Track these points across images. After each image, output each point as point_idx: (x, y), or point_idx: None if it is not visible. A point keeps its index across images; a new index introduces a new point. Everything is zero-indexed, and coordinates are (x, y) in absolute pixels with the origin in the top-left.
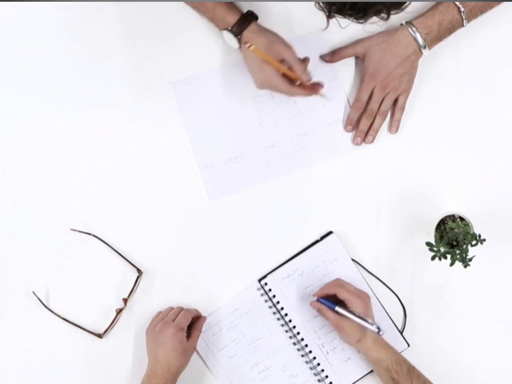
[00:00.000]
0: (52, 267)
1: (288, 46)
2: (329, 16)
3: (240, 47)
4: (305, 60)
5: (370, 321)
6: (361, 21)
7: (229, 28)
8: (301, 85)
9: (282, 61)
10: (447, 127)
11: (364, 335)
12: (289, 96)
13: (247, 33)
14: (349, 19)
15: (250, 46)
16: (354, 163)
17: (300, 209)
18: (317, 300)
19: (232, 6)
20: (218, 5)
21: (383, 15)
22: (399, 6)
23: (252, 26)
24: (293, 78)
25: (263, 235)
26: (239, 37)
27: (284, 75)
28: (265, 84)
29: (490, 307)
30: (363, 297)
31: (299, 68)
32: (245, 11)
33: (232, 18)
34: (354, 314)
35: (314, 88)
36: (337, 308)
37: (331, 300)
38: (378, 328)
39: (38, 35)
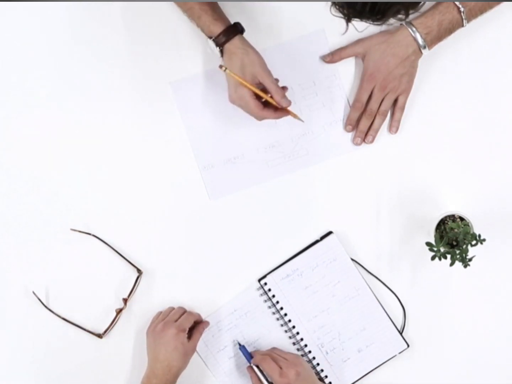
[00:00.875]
0: (52, 267)
1: (266, 71)
2: (348, 20)
3: (222, 57)
4: (283, 88)
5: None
6: (379, 23)
7: (213, 38)
8: (272, 108)
9: (258, 83)
10: (447, 127)
11: None
12: (257, 120)
13: (229, 46)
14: (367, 22)
15: (225, 69)
16: (354, 163)
17: (300, 209)
18: (240, 348)
19: (219, 16)
20: (204, 13)
21: (401, 16)
22: (415, 6)
23: (235, 40)
24: (268, 100)
25: (263, 235)
26: (221, 48)
27: (258, 97)
28: (236, 102)
29: (490, 307)
30: (286, 374)
31: (277, 94)
32: (233, 21)
33: (217, 29)
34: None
35: (285, 110)
36: (252, 364)
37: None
38: None
39: (38, 35)
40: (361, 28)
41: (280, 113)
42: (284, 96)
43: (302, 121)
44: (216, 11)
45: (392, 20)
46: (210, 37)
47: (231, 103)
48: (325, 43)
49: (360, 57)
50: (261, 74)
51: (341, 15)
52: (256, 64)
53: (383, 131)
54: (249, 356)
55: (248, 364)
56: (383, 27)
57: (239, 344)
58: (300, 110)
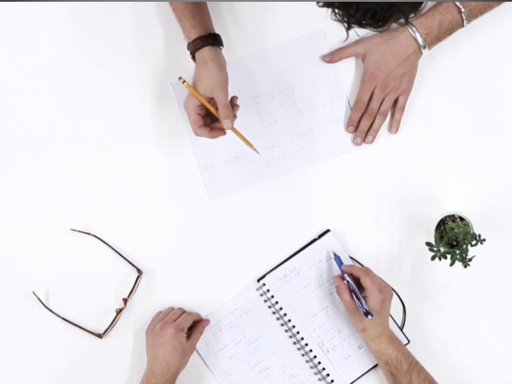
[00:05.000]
0: (52, 267)
1: (222, 88)
2: (348, 28)
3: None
4: (234, 106)
5: (365, 305)
6: (381, 29)
7: (187, 44)
8: (208, 128)
9: (211, 98)
10: (447, 127)
11: (370, 326)
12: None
13: (197, 55)
14: (367, 29)
15: (183, 81)
16: (354, 163)
17: (301, 209)
18: (335, 258)
19: (197, 23)
20: (184, 17)
21: (401, 21)
22: (415, 10)
23: (204, 51)
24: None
25: (263, 234)
26: (192, 55)
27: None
28: (185, 108)
29: (489, 306)
30: (384, 291)
31: (222, 114)
32: (214, 29)
33: (191, 35)
34: (357, 292)
35: (240, 137)
36: (345, 275)
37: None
38: (368, 313)
39: (38, 37)
40: (362, 34)
41: (216, 133)
42: (228, 118)
43: (258, 153)
44: (196, 18)
45: (393, 25)
46: (187, 42)
47: (183, 108)
48: (325, 43)
49: (360, 57)
50: (213, 88)
51: (343, 22)
52: (212, 78)
53: (383, 131)
54: (341, 264)
55: (336, 277)
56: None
57: (334, 254)
58: (300, 110)
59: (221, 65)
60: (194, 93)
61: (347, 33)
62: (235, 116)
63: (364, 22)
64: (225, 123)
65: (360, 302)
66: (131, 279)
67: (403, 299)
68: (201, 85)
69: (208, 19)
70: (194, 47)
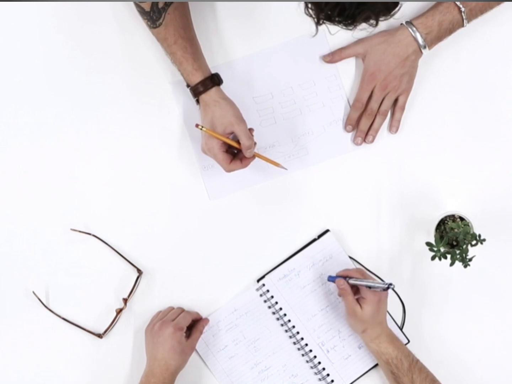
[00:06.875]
0: (52, 267)
1: (239, 118)
2: (317, 23)
3: (198, 105)
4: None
5: (378, 281)
6: (350, 28)
7: (190, 87)
8: (239, 160)
9: (231, 133)
10: (447, 126)
11: (370, 327)
12: (225, 171)
13: (204, 97)
14: (338, 26)
15: (201, 128)
16: (354, 163)
17: (301, 209)
18: (328, 279)
19: (199, 66)
20: (185, 61)
21: (372, 21)
22: (387, 13)
23: (211, 92)
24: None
25: (263, 235)
26: (197, 98)
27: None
28: (207, 153)
29: (489, 306)
30: (379, 292)
31: (244, 145)
32: (213, 71)
33: (195, 78)
34: (363, 280)
35: (264, 159)
36: (347, 278)
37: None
38: (388, 284)
39: (36, 36)
40: (334, 31)
41: (247, 161)
42: (250, 148)
43: (286, 169)
44: (197, 61)
45: (365, 25)
46: (188, 86)
47: (203, 153)
48: (325, 43)
49: (360, 57)
50: (232, 122)
51: (312, 17)
52: (229, 114)
53: (383, 131)
54: (336, 278)
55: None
56: (377, 29)
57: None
58: (300, 110)
59: (231, 100)
60: (215, 135)
61: (316, 28)
62: (255, 144)
63: (333, 18)
64: (247, 153)
65: (372, 281)
66: (131, 279)
67: (403, 299)
68: (219, 124)
69: (204, 59)
70: (202, 89)
